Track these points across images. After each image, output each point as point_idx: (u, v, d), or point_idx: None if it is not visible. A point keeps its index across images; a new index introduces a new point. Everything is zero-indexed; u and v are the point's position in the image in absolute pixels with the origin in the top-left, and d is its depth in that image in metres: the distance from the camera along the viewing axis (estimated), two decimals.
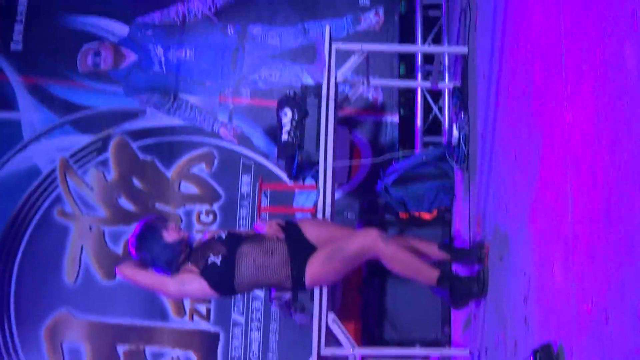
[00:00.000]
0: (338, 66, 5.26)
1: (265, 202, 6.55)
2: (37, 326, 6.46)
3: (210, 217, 6.70)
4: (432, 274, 4.30)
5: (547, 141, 2.97)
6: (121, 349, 6.45)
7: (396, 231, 5.73)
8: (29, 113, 6.85)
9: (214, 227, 6.66)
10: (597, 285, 2.28)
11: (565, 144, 2.67)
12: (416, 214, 5.98)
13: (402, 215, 5.99)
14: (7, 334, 6.42)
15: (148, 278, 4.43)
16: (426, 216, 6.03)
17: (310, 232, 4.48)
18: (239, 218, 6.66)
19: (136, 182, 6.75)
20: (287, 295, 5.30)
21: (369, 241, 4.24)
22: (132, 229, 6.40)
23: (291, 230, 4.46)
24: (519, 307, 3.39)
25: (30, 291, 6.52)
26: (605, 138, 2.26)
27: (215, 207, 6.70)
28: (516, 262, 3.49)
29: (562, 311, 2.65)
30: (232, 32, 7.01)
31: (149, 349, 6.44)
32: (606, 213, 2.22)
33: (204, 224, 6.67)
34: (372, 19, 7.00)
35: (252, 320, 6.41)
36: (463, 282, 4.35)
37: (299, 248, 4.41)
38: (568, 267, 2.58)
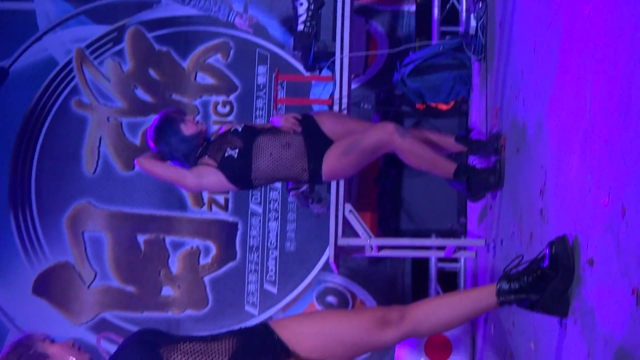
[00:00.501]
0: None
1: (281, 94, 6.53)
2: (58, 216, 6.56)
3: (227, 108, 6.70)
4: (448, 167, 4.32)
5: (567, 30, 2.94)
6: (141, 238, 6.55)
7: (412, 122, 5.73)
8: (44, 3, 6.80)
9: (230, 118, 6.67)
10: (615, 178, 2.29)
11: (586, 34, 2.64)
12: (433, 105, 5.97)
13: (419, 106, 5.98)
14: (30, 225, 6.53)
15: (166, 170, 4.46)
16: (443, 107, 6.01)
17: (327, 125, 4.48)
18: (255, 109, 6.66)
19: (152, 72, 6.73)
20: (304, 187, 5.34)
21: (385, 135, 4.23)
22: (149, 120, 6.45)
23: (308, 124, 4.46)
24: (535, 199, 3.41)
25: (50, 182, 6.59)
26: (626, 29, 2.23)
27: (232, 97, 6.70)
28: (533, 154, 3.49)
29: (578, 204, 2.66)
30: None
31: (168, 239, 6.54)
32: (626, 106, 2.21)
33: (220, 115, 6.68)
34: None
35: (269, 210, 6.49)
36: (480, 174, 4.36)
37: (316, 141, 4.41)
38: (586, 160, 2.58)
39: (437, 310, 2.97)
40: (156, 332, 2.96)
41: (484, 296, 2.91)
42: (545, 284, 2.72)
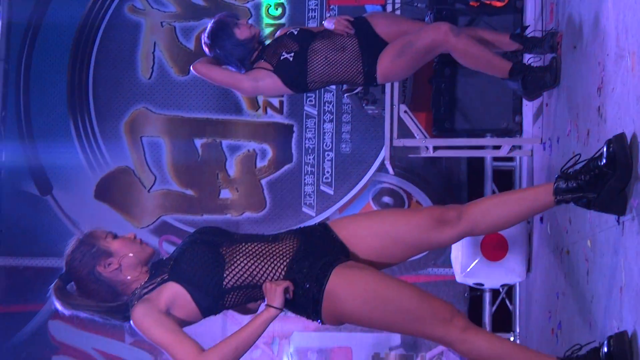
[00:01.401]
0: None
1: None
2: (117, 122, 6.66)
3: (279, 10, 6.67)
4: (504, 66, 4.28)
5: None
6: (198, 142, 6.64)
7: (466, 21, 5.65)
8: None
9: (282, 20, 6.65)
10: None
11: None
12: (487, 1, 5.87)
13: (473, 3, 5.88)
14: (90, 132, 6.64)
15: (222, 75, 4.49)
16: (497, 4, 5.91)
17: (381, 27, 4.45)
18: (308, 10, 6.62)
19: None
20: (359, 88, 5.34)
21: (440, 35, 4.20)
22: (202, 24, 6.46)
23: (361, 26, 4.43)
24: (592, 97, 3.38)
25: (107, 89, 6.68)
26: None
27: None
28: (590, 51, 3.45)
29: (637, 101, 2.65)
30: None
31: (225, 142, 6.61)
32: None
33: (272, 17, 6.66)
34: None
35: (324, 112, 6.51)
36: (535, 72, 4.31)
37: (370, 44, 4.40)
38: None
39: (493, 209, 2.99)
40: (217, 231, 2.99)
41: (541, 195, 2.92)
42: (603, 182, 2.72)
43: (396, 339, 6.32)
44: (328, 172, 6.48)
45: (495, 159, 6.10)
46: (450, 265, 5.85)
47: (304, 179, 6.52)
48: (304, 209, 6.50)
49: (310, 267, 2.82)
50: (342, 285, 2.78)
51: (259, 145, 6.60)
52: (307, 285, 2.81)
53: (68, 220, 6.59)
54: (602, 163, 2.73)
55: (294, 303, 2.85)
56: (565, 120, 4.07)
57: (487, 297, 6.21)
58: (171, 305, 2.86)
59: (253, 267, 2.86)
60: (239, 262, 2.86)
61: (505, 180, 6.23)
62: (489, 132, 5.47)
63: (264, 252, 2.88)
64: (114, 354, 6.50)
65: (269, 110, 6.59)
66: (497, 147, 5.53)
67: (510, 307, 6.23)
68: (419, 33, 4.26)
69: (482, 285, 5.78)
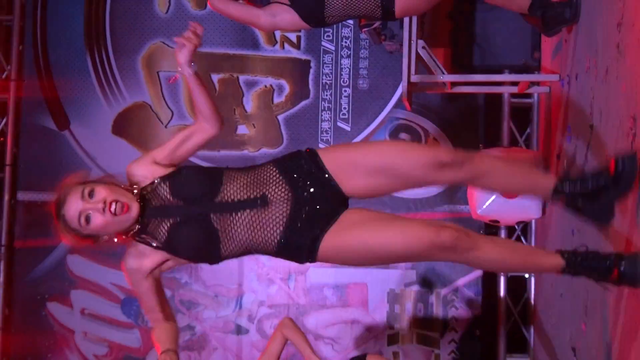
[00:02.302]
0: None
1: None
2: (133, 57, 6.63)
3: None
4: (523, 1, 4.23)
5: None
6: (215, 77, 6.62)
7: None
8: None
9: None
10: None
11: None
12: None
13: None
14: (107, 66, 6.63)
15: (239, 10, 4.46)
16: None
17: None
18: None
19: None
20: (377, 23, 5.29)
21: None
22: None
23: None
24: (612, 34, 3.34)
25: (124, 23, 6.64)
26: None
27: None
28: None
29: None
30: None
31: (242, 78, 6.59)
32: None
33: None
34: None
35: (342, 47, 6.46)
36: (555, 7, 4.26)
37: None
38: None
39: (498, 174, 2.94)
40: (199, 182, 2.97)
41: (543, 183, 2.95)
42: (603, 195, 2.77)
43: (411, 275, 6.35)
44: (345, 108, 6.45)
45: (513, 95, 6.05)
46: (466, 202, 5.84)
47: (321, 115, 6.50)
48: (321, 145, 6.49)
49: (301, 237, 2.88)
50: (332, 252, 2.87)
51: (276, 81, 6.57)
52: (302, 252, 2.90)
53: (86, 155, 6.61)
54: (607, 179, 2.75)
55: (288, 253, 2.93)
56: (584, 57, 4.03)
57: (503, 234, 6.21)
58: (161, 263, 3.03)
59: (248, 239, 2.90)
60: (233, 237, 2.90)
61: (522, 117, 6.19)
62: (507, 68, 5.43)
63: (256, 222, 2.89)
64: (131, 288, 6.57)
65: (286, 45, 6.54)
66: (515, 84, 5.49)
67: (526, 243, 6.24)
68: None
69: (498, 222, 5.79)
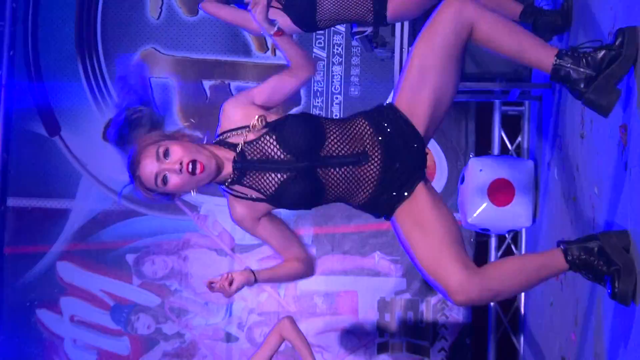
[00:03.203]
0: None
1: None
2: (125, 62, 6.61)
3: None
4: (515, 8, 4.23)
5: None
6: (207, 84, 6.60)
7: None
8: None
9: None
10: None
11: None
12: None
13: None
14: (97, 72, 6.61)
15: (232, 14, 4.47)
16: None
17: None
18: None
19: None
20: (369, 30, 5.28)
21: None
22: None
23: None
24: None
25: (116, 29, 6.62)
26: None
27: None
28: None
29: None
30: None
31: (233, 84, 6.58)
32: None
33: None
34: None
35: (333, 54, 6.45)
36: (547, 15, 4.26)
37: None
38: None
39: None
40: (307, 133, 2.99)
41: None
42: (606, 65, 2.70)
43: (402, 283, 6.34)
44: (336, 115, 6.44)
45: (504, 103, 6.05)
46: (457, 210, 5.84)
47: None
48: None
49: (386, 199, 2.99)
50: (399, 223, 3.00)
51: None
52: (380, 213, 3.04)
53: (76, 161, 6.59)
54: (610, 47, 2.72)
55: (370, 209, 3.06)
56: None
57: (493, 242, 6.21)
58: None
59: (344, 191, 2.98)
60: (334, 188, 2.96)
61: (513, 125, 6.19)
62: (498, 76, 5.43)
63: (354, 177, 2.96)
64: (121, 295, 6.55)
65: (277, 52, 6.53)
66: (506, 92, 5.49)
67: (516, 252, 6.23)
68: None
69: (488, 230, 5.78)
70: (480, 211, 5.51)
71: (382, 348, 6.34)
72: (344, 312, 6.40)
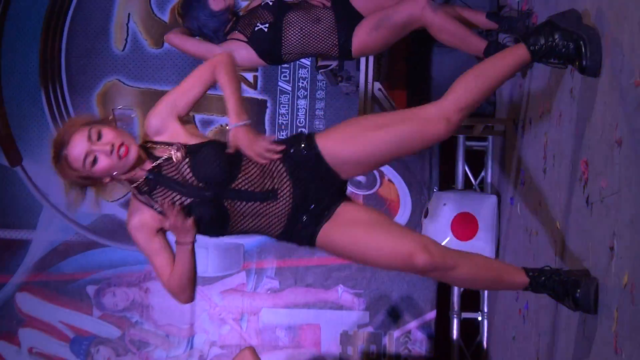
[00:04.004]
0: None
1: None
2: (89, 94, 6.59)
3: None
4: (479, 44, 4.27)
5: None
6: None
7: None
8: None
9: None
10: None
11: None
12: None
13: None
14: (61, 102, 6.57)
15: (196, 46, 4.48)
16: None
17: (357, 0, 4.44)
18: None
19: None
20: (334, 64, 5.32)
21: (417, 9, 4.19)
22: None
23: None
24: (566, 79, 3.38)
25: (80, 59, 6.60)
26: None
27: None
28: None
29: (608, 84, 2.64)
30: None
31: (198, 117, 6.57)
32: None
33: None
34: None
35: (298, 88, 6.48)
36: None
37: (346, 16, 4.39)
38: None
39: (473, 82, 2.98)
40: (217, 174, 3.00)
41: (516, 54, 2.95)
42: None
43: (365, 317, 6.33)
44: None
45: (468, 138, 6.10)
46: None
47: None
48: None
49: (301, 230, 3.04)
50: (327, 245, 3.04)
51: None
52: (301, 242, 3.08)
53: (37, 192, 6.53)
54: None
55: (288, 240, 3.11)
56: (538, 102, 4.08)
57: None
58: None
59: (254, 224, 3.03)
60: (241, 220, 3.01)
61: (477, 160, 6.23)
62: None
63: (263, 212, 3.00)
64: (81, 327, 6.48)
65: (242, 85, 6.54)
66: (470, 127, 5.54)
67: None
68: (396, 7, 4.25)
69: None
70: (444, 244, 5.53)
71: None
72: (307, 345, 6.37)
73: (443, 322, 6.17)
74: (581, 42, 2.73)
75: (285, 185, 2.99)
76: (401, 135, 2.95)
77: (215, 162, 2.97)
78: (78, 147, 2.91)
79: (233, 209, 2.98)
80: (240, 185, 2.97)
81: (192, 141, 3.06)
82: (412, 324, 6.26)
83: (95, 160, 2.91)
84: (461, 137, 6.08)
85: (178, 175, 2.99)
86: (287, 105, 6.48)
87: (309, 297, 6.38)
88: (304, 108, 6.47)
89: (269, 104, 6.51)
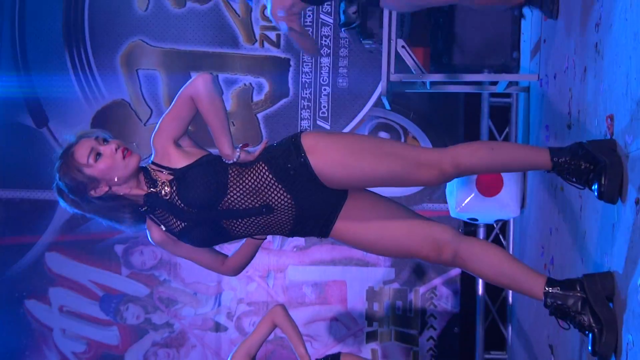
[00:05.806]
0: None
1: None
2: (112, 54, 6.61)
3: None
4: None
5: None
6: (195, 75, 6.60)
7: None
8: None
9: None
10: None
11: None
12: None
13: None
14: (85, 64, 6.60)
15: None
16: None
17: None
18: None
19: None
20: (357, 22, 5.30)
21: None
22: None
23: None
24: (590, 33, 3.37)
25: (104, 21, 6.61)
26: None
27: None
28: None
29: (634, 39, 2.63)
30: None
31: (221, 76, 6.59)
32: None
33: None
34: None
35: (322, 46, 6.47)
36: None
37: None
38: None
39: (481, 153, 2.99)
40: (207, 204, 3.06)
41: (538, 156, 2.94)
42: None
43: (390, 273, 6.38)
44: (325, 106, 6.46)
45: (492, 94, 6.08)
46: (445, 201, 5.88)
47: (301, 114, 6.51)
48: None
49: (311, 229, 3.11)
50: (342, 236, 3.11)
51: (255, 79, 6.57)
52: (314, 234, 3.14)
53: None
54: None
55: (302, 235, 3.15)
56: (562, 57, 4.06)
57: (482, 232, 6.25)
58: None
59: (262, 231, 3.12)
60: (242, 234, 3.12)
61: (501, 117, 6.22)
62: (487, 67, 5.45)
63: (264, 224, 3.08)
64: (110, 285, 6.57)
65: (265, 44, 6.54)
66: (494, 83, 5.52)
67: (504, 242, 6.29)
68: None
69: (477, 220, 5.82)
70: (468, 201, 5.55)
71: (370, 337, 6.38)
72: (333, 301, 6.44)
73: (468, 278, 6.21)
74: (602, 168, 2.70)
75: (281, 196, 3.01)
76: (392, 173, 2.98)
77: (200, 187, 3.01)
78: (85, 145, 3.06)
79: (232, 226, 3.06)
80: (229, 205, 3.01)
81: (184, 162, 3.10)
82: (438, 280, 6.31)
83: (98, 156, 3.04)
84: (486, 93, 6.07)
85: (171, 199, 3.06)
86: (310, 64, 6.48)
87: (335, 254, 6.42)
88: (327, 66, 6.47)
89: (292, 62, 6.51)
